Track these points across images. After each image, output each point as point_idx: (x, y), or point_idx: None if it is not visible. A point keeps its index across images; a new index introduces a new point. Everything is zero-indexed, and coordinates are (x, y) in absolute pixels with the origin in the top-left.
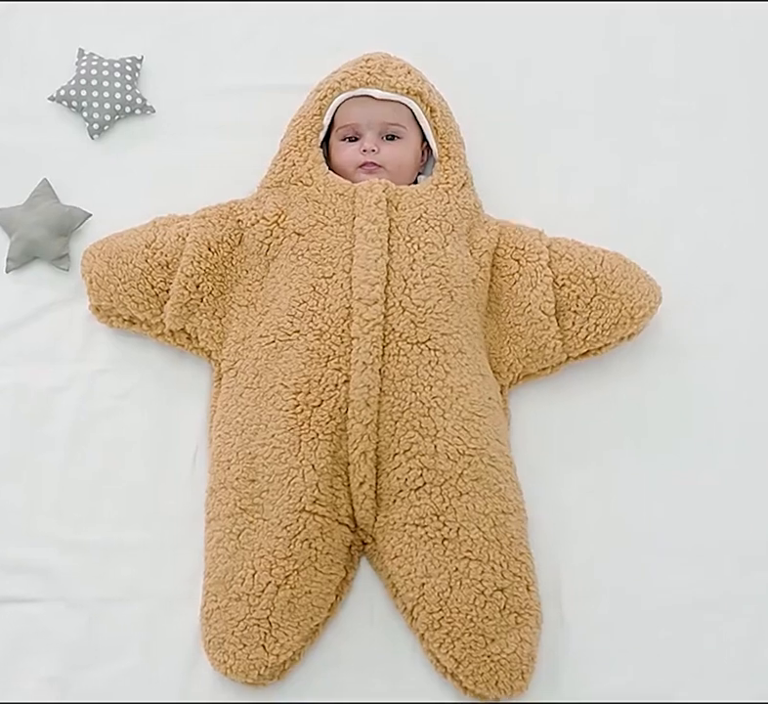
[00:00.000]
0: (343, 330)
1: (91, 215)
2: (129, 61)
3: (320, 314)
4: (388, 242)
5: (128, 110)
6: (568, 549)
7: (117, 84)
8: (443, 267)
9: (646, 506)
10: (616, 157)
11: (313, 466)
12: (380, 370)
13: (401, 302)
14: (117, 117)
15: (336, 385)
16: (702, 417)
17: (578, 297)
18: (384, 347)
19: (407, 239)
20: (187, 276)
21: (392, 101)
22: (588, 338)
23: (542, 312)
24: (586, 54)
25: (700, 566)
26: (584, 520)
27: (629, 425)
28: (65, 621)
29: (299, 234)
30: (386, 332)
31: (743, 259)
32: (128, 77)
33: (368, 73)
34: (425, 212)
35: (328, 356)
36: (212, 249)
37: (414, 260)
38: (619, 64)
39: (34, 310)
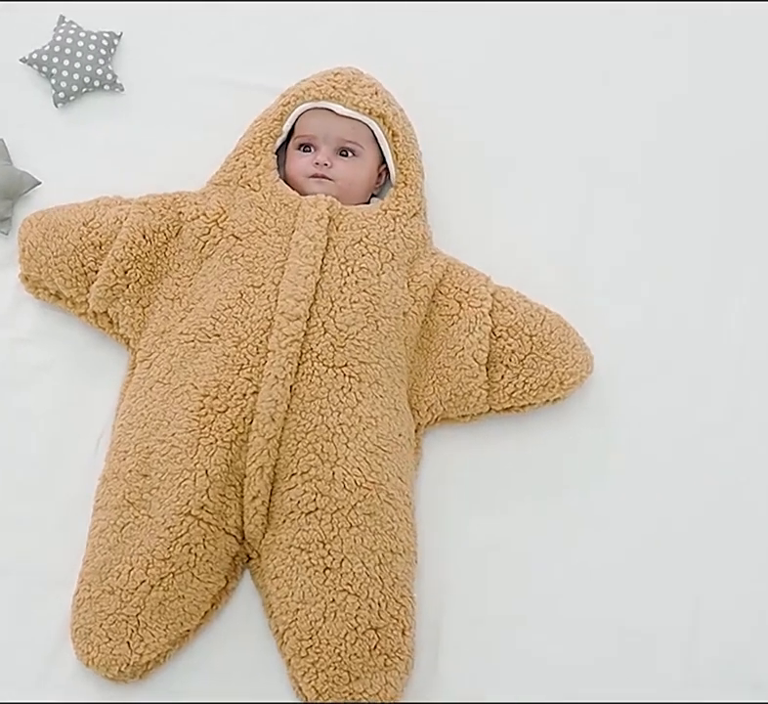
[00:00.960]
0: (261, 342)
1: (40, 183)
2: (106, 35)
3: (242, 322)
4: (322, 260)
5: (97, 84)
6: (455, 597)
7: (90, 56)
8: (374, 295)
9: (543, 567)
10: (575, 217)
11: (206, 472)
12: (291, 387)
13: (324, 323)
14: (85, 90)
15: (245, 395)
16: (612, 485)
17: (513, 352)
18: (299, 365)
19: (342, 260)
20: (116, 260)
21: (352, 118)
22: (514, 395)
23: (474, 359)
24: (576, 104)
25: (577, 635)
26: (478, 571)
27: (540, 482)
28: None
29: (237, 237)
30: (304, 351)
31: (679, 341)
32: (103, 51)
33: (333, 87)
34: (366, 236)
35: (242, 364)
36: (147, 237)
37: (345, 283)
38: (605, 122)
39: None
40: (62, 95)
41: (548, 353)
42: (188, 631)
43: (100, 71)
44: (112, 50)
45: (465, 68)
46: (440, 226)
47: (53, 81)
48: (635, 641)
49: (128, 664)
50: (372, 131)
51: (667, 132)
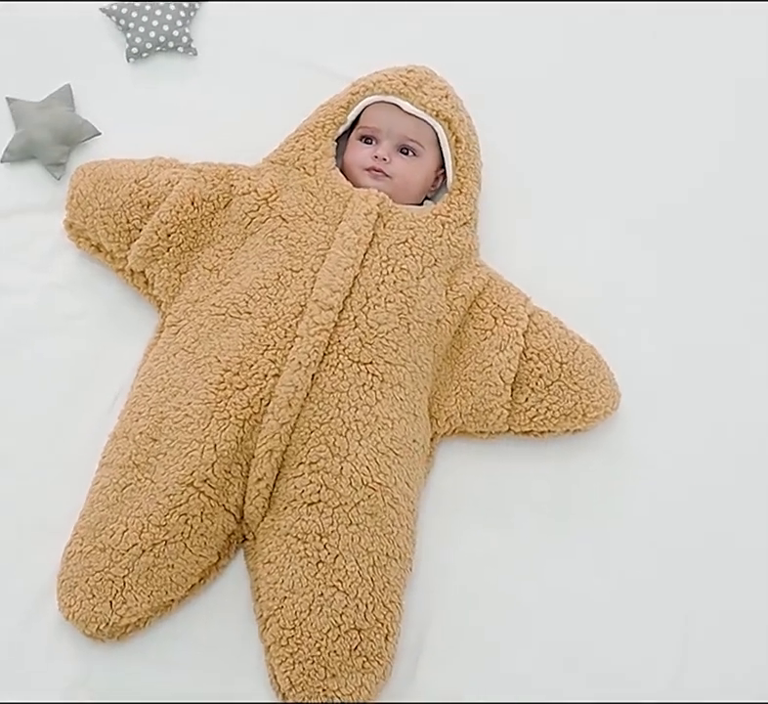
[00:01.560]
0: (290, 326)
1: (100, 134)
2: None
3: (275, 303)
4: (364, 255)
5: (171, 44)
6: (444, 610)
7: (169, 16)
8: (410, 297)
9: (536, 588)
10: (623, 247)
11: (215, 446)
12: (313, 376)
13: (355, 317)
14: (159, 49)
15: (266, 376)
16: (618, 518)
17: (541, 376)
18: (325, 355)
19: (384, 258)
20: (161, 222)
21: (418, 118)
22: (535, 419)
23: (501, 377)
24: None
25: (561, 660)
26: (470, 585)
27: (545, 506)
28: None
29: (284, 219)
30: (331, 342)
31: (708, 386)
32: (182, 14)
33: (404, 84)
34: (412, 238)
35: (268, 345)
36: (195, 204)
37: (383, 281)
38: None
39: (14, 207)
40: (135, 50)
41: (576, 383)
42: (172, 600)
43: (176, 33)
44: (192, 14)
45: (540, 84)
46: (487, 238)
47: (128, 35)
48: (620, 669)
49: (107, 623)
50: (436, 134)
51: (714, 169)
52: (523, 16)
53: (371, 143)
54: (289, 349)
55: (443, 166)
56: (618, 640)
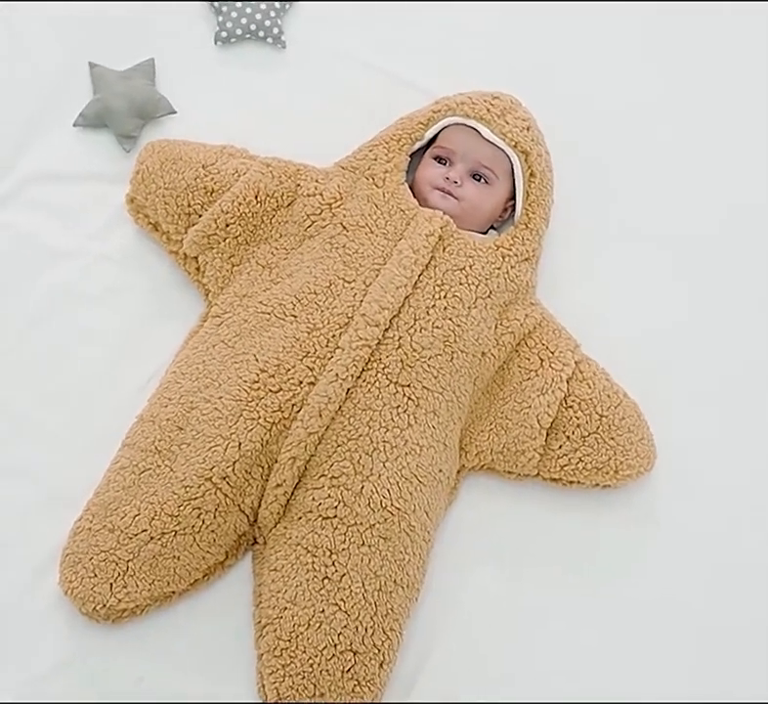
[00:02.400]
0: (333, 336)
1: (175, 112)
2: None
3: (322, 311)
4: (419, 276)
5: (261, 34)
6: (442, 645)
7: (264, 6)
8: (458, 326)
9: (540, 639)
10: (685, 304)
11: (239, 444)
12: (348, 390)
13: (400, 338)
14: (248, 37)
15: (301, 382)
16: (636, 580)
17: (578, 426)
18: (363, 371)
19: (439, 283)
20: (222, 211)
21: (496, 146)
22: (566, 468)
23: (537, 421)
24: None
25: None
26: (474, 624)
27: (563, 556)
28: None
29: (344, 227)
30: (372, 358)
31: (750, 453)
32: (277, 5)
33: (488, 110)
34: (470, 266)
35: (308, 352)
36: (259, 198)
37: (434, 305)
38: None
39: (78, 173)
40: (224, 34)
41: (613, 438)
42: (172, 592)
43: (268, 23)
44: (287, 6)
45: (624, 119)
46: (544, 277)
47: (220, 19)
48: None
49: (104, 605)
50: (511, 164)
51: None
52: (620, 58)
53: (445, 163)
54: (328, 359)
55: (513, 198)
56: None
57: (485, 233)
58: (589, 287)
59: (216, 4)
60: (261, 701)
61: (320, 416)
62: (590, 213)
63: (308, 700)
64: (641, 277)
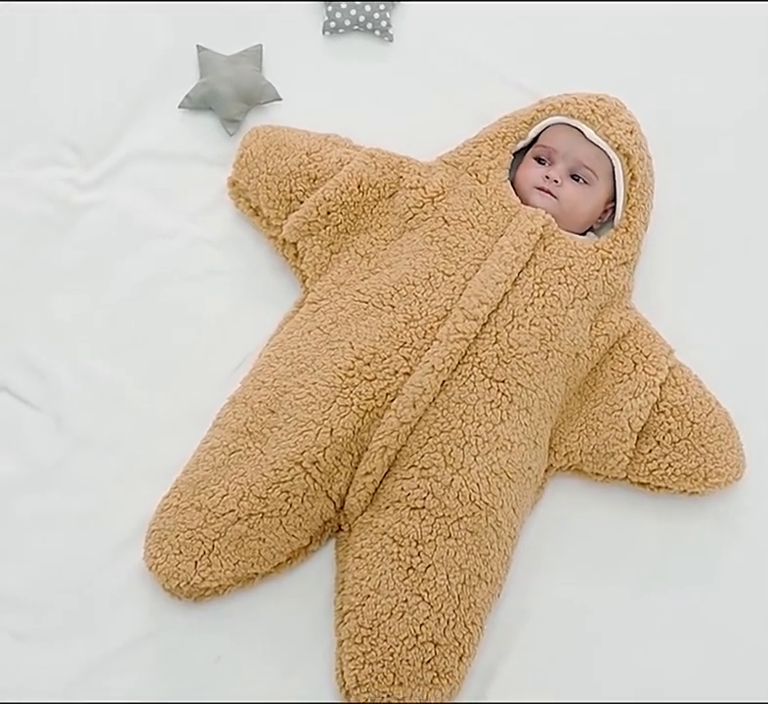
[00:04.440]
0: (431, 328)
1: (280, 99)
2: None
3: (420, 302)
4: (519, 273)
5: (370, 26)
6: (520, 645)
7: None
8: (555, 325)
9: (615, 647)
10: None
11: (331, 430)
12: (443, 382)
13: (497, 333)
14: (356, 28)
15: (396, 372)
16: (717, 592)
17: (669, 432)
18: (459, 364)
19: (538, 281)
20: (325, 198)
21: (598, 147)
22: (655, 473)
23: (629, 424)
24: None
25: None
26: (548, 623)
27: (646, 563)
28: (46, 439)
29: (446, 221)
30: (468, 352)
31: None
32: (382, 6)
33: (592, 111)
34: (570, 267)
35: (404, 342)
36: (361, 188)
37: (533, 303)
38: None
39: (182, 154)
40: (333, 25)
41: (703, 445)
42: (255, 574)
43: (377, 15)
44: (394, 5)
45: (724, 132)
46: (640, 280)
47: (329, 8)
48: None
49: (188, 582)
50: (613, 167)
51: None
52: (731, 68)
53: (545, 163)
54: (425, 351)
55: (613, 201)
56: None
57: (583, 234)
58: (684, 296)
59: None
60: (339, 687)
61: (414, 406)
62: (693, 223)
63: (387, 688)
64: (736, 291)
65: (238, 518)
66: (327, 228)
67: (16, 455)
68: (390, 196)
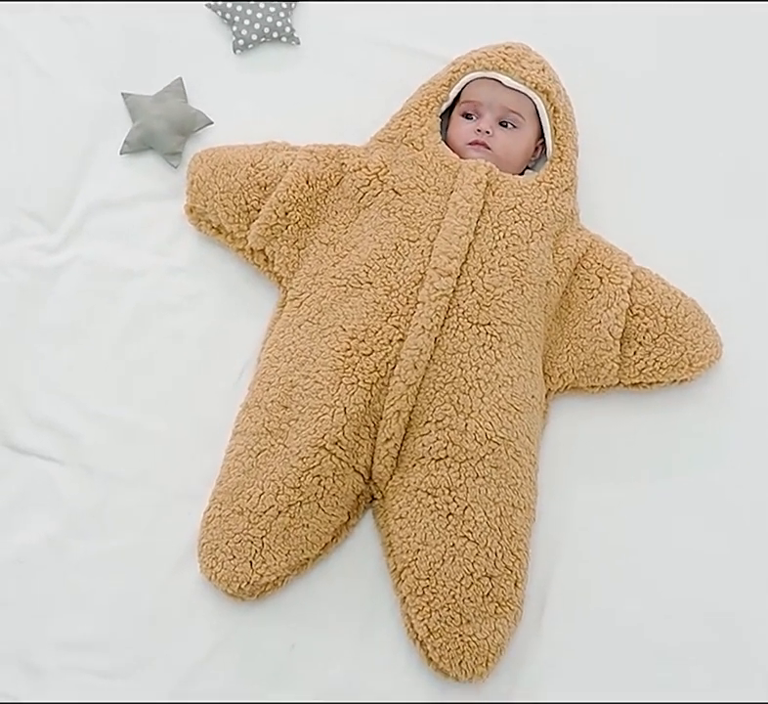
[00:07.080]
0: (411, 293)
1: (212, 123)
2: None
3: (394, 272)
4: (477, 222)
5: (275, 35)
6: (564, 560)
7: (272, 9)
8: (522, 261)
9: (650, 538)
10: (719, 215)
11: (345, 409)
12: (436, 339)
13: (472, 282)
14: (264, 40)
15: (390, 341)
16: (723, 471)
17: (647, 331)
18: (445, 319)
19: (496, 225)
20: (279, 201)
21: (518, 91)
22: (644, 371)
23: (610, 333)
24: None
25: (670, 614)
26: (587, 537)
27: (657, 457)
28: (79, 488)
29: (396, 192)
30: (451, 306)
31: None
32: (284, 5)
33: (503, 59)
34: (520, 204)
35: (391, 312)
36: (309, 183)
37: (496, 246)
38: None
39: (134, 196)
40: (241, 42)
41: (681, 335)
42: (307, 559)
43: (279, 24)
44: (293, 5)
45: (628, 66)
46: (584, 204)
47: (234, 28)
48: (730, 630)
49: (248, 582)
50: (535, 106)
51: None
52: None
53: (473, 118)
54: (412, 315)
55: (541, 137)
56: (731, 592)
57: (521, 174)
58: (626, 209)
59: (227, 15)
60: (412, 640)
61: (415, 367)
62: (618, 139)
63: (457, 629)
64: (673, 195)
65: (279, 512)
66: (289, 227)
67: (55, 511)
68: (337, 183)
